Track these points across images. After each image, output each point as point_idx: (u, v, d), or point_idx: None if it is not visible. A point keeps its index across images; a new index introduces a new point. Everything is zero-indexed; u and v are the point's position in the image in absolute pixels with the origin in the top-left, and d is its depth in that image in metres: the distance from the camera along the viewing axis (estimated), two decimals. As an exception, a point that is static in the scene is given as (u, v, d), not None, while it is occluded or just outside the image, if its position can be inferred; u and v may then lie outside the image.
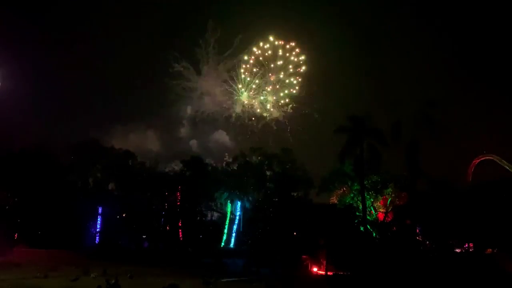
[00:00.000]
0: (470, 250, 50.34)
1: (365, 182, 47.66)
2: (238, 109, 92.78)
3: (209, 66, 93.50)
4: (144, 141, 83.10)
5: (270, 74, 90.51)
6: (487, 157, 77.40)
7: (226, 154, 77.06)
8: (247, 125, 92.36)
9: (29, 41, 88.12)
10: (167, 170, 62.71)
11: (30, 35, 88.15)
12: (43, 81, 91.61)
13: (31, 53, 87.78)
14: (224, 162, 66.62)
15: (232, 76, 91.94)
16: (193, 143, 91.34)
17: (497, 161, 75.68)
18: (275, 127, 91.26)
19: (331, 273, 43.49)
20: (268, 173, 62.14)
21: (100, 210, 57.66)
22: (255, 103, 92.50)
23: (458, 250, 52.09)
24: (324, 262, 45.36)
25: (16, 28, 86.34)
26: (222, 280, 32.59)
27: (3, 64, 59.20)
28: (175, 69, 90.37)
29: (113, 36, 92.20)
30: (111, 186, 60.32)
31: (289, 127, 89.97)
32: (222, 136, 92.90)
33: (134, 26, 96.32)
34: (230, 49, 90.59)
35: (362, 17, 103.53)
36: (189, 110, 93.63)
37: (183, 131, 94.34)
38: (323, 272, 45.40)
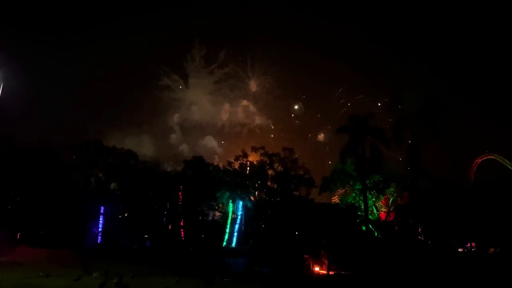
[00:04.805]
0: (472, 249, 50.25)
1: (367, 182, 47.58)
2: (224, 116, 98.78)
3: (197, 79, 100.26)
4: (138, 146, 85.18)
5: (251, 84, 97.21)
6: (490, 157, 77.21)
7: (216, 157, 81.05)
8: (233, 131, 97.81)
9: (33, 43, 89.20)
10: (169, 170, 62.84)
11: (34, 38, 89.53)
12: (45, 82, 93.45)
13: (33, 54, 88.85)
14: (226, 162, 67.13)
15: (218, 87, 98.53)
16: (184, 148, 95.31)
17: (500, 160, 75.48)
18: (258, 132, 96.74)
19: (333, 273, 43.48)
20: (269, 172, 62.23)
21: (102, 209, 57.66)
22: (239, 111, 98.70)
23: (460, 250, 52.01)
24: (326, 262, 45.36)
25: (20, 31, 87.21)
26: (224, 279, 32.58)
27: (5, 64, 59.36)
28: (164, 82, 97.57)
29: (110, 48, 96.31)
30: (113, 185, 60.36)
31: (272, 134, 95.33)
32: (210, 142, 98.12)
33: (130, 42, 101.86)
34: (216, 63, 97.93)
35: (361, 17, 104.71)
36: (178, 118, 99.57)
37: (174, 137, 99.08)
38: (325, 272, 45.40)
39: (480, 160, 78.06)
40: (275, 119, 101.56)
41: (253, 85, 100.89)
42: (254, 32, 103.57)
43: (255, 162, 63.62)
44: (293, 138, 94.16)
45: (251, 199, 58.86)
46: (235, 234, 59.33)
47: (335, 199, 56.20)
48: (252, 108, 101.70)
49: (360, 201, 48.58)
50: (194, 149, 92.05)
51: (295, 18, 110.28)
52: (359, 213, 48.21)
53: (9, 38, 79.55)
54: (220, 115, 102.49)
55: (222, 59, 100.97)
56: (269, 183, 61.16)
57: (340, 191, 54.93)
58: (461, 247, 52.16)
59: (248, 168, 62.99)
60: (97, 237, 57.43)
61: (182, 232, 58.20)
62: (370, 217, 48.88)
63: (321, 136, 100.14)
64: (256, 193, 60.83)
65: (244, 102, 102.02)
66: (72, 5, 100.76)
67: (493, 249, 47.46)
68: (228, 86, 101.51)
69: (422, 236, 47.83)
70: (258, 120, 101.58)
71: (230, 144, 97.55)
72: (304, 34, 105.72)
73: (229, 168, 63.11)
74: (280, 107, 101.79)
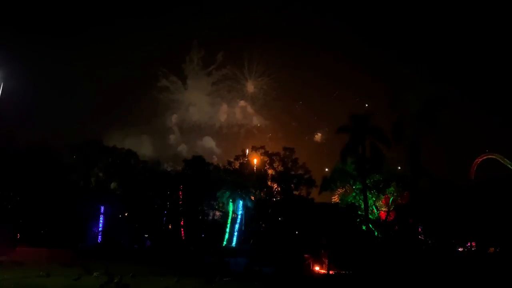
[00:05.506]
0: (473, 249, 50.24)
1: (367, 181, 47.60)
2: (222, 117, 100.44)
3: (195, 80, 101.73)
4: (138, 146, 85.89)
5: (249, 85, 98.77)
6: (490, 156, 77.17)
7: (215, 157, 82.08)
8: (231, 132, 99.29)
9: (33, 43, 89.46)
10: (169, 169, 62.90)
11: (34, 38, 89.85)
12: (45, 82, 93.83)
13: (33, 54, 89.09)
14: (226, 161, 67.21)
15: (216, 88, 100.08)
16: (182, 148, 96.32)
17: (500, 160, 75.41)
18: (255, 132, 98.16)
19: (333, 272, 43.50)
20: (269, 172, 62.28)
21: (102, 209, 57.72)
22: (237, 111, 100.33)
23: (460, 249, 52.01)
24: (326, 261, 45.37)
25: (20, 31, 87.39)
26: (225, 279, 32.56)
27: (5, 64, 59.44)
28: (163, 83, 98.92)
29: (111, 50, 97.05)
30: (113, 185, 60.43)
31: (270, 134, 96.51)
32: (208, 142, 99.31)
33: (129, 43, 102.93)
34: (214, 65, 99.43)
35: (363, 17, 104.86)
36: (177, 119, 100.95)
37: (173, 137, 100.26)
38: (325, 271, 45.42)
39: (480, 160, 78.03)
40: (273, 119, 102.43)
41: (250, 86, 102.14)
42: (251, 34, 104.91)
43: (255, 162, 63.69)
44: (291, 139, 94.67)
45: (251, 199, 58.84)
46: (235, 233, 59.32)
47: (335, 199, 56.20)
48: (249, 109, 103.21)
49: (360, 201, 48.59)
50: (192, 150, 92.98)
51: (293, 19, 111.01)
52: (359, 212, 48.22)
53: (9, 38, 79.71)
54: (218, 116, 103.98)
55: (220, 61, 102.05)
56: (269, 183, 61.20)
57: (340, 190, 54.92)
58: (461, 247, 52.17)
59: (248, 167, 63.07)
60: (97, 237, 57.48)
61: (182, 232, 58.18)
62: (370, 216, 48.88)
63: (318, 136, 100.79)
64: (256, 192, 60.81)
65: (242, 103, 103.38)
66: (72, 6, 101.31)
67: (493, 248, 47.48)
68: (226, 87, 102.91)
69: (422, 235, 47.83)
70: (255, 120, 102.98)
71: (228, 145, 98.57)
72: (301, 35, 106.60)
73: (229, 167, 63.17)
74: (277, 108, 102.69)
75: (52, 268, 31.59)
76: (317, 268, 47.77)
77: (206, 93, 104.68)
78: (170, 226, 59.93)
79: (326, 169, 57.63)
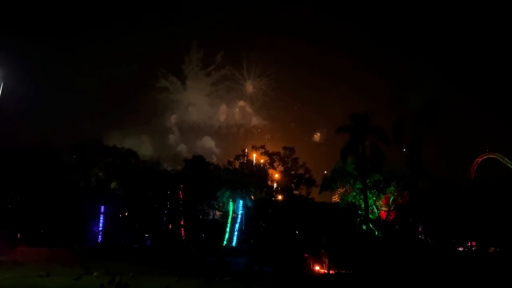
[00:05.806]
0: (473, 248, 50.27)
1: (367, 181, 47.59)
2: (221, 117, 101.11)
3: (194, 81, 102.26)
4: (137, 146, 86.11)
5: (248, 85, 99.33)
6: (490, 156, 77.16)
7: (214, 157, 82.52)
8: (230, 132, 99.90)
9: (33, 43, 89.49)
10: (169, 169, 62.90)
11: (34, 38, 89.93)
12: (45, 82, 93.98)
13: (33, 54, 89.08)
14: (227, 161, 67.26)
15: (215, 88, 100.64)
16: (182, 148, 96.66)
17: (500, 159, 75.39)
18: (255, 132, 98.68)
19: (333, 272, 43.50)
20: (270, 171, 62.33)
21: (102, 209, 57.72)
22: (236, 112, 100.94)
23: (460, 249, 52.00)
24: (326, 261, 45.38)
25: (20, 31, 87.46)
26: (225, 279, 32.58)
27: (5, 64, 59.39)
28: (163, 83, 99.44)
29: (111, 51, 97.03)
30: (113, 185, 60.42)
31: (269, 136, 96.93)
32: (208, 142, 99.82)
33: (128, 44, 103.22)
34: (213, 65, 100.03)
35: (363, 16, 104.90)
36: (176, 119, 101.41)
37: (172, 137, 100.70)
38: (325, 271, 45.42)
39: (480, 159, 78.04)
40: (272, 119, 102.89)
41: (249, 87, 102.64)
42: (251, 34, 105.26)
43: (255, 161, 63.75)
44: (290, 139, 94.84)
45: (252, 198, 58.86)
46: (236, 233, 59.33)
47: (336, 198, 56.19)
48: (248, 109, 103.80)
49: (361, 200, 48.57)
50: (192, 150, 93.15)
51: (292, 19, 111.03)
52: (360, 212, 48.20)
53: (9, 38, 79.77)
54: (217, 116, 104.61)
55: (219, 61, 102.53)
56: (269, 182, 61.24)
57: (341, 190, 54.90)
58: (461, 246, 52.16)
59: (248, 167, 63.11)
60: (98, 236, 57.48)
61: (182, 232, 58.19)
62: (370, 216, 48.86)
63: (317, 136, 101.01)
64: (257, 192, 60.84)
65: (241, 103, 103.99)
66: (72, 7, 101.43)
67: (493, 248, 47.47)
68: (225, 88, 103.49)
69: (423, 235, 47.83)
70: (254, 120, 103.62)
71: (227, 145, 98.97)
72: (301, 34, 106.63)
73: (229, 167, 63.20)
74: (277, 108, 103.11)
75: (52, 268, 31.59)
76: (317, 267, 47.76)
77: (206, 93, 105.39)
78: (170, 226, 59.94)
79: (325, 172, 57.56)
